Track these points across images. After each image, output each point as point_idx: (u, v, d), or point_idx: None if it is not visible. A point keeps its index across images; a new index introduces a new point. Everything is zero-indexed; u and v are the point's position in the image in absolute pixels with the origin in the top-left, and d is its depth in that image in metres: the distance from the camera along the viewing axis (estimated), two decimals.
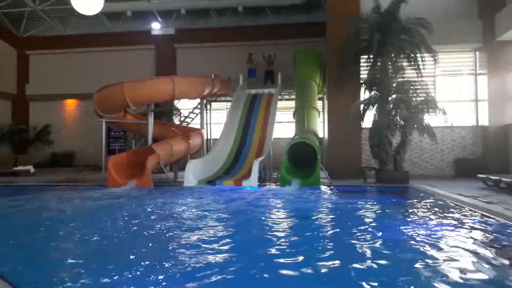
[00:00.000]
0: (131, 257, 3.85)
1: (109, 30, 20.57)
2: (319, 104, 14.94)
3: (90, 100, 13.77)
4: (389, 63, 10.96)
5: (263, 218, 6.01)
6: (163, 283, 3.12)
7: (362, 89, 11.80)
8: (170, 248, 4.16)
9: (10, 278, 3.00)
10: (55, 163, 19.19)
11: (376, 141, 10.59)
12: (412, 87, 10.73)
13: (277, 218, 6.05)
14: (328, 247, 4.23)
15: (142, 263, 3.62)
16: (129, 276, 3.24)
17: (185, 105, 18.11)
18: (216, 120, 18.64)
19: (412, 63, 10.99)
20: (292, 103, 14.88)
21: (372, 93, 11.19)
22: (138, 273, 3.35)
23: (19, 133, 19.61)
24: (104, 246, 4.37)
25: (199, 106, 16.41)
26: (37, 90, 20.53)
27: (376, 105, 10.84)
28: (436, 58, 10.95)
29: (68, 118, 20.82)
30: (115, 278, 3.20)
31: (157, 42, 19.67)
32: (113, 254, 4.06)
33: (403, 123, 10.58)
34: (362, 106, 11.09)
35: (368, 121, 11.23)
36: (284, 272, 3.37)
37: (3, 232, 5.23)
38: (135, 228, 5.35)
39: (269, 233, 4.91)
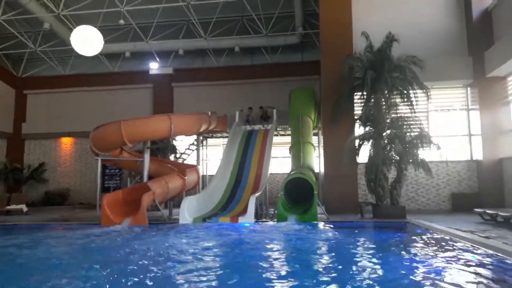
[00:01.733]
0: None
1: (108, 70, 20.96)
2: (314, 139, 15.05)
3: (86, 138, 13.85)
4: (383, 99, 11.16)
5: (260, 255, 5.89)
6: None
7: (357, 125, 11.92)
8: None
9: None
10: (49, 202, 18.92)
11: (372, 176, 10.58)
12: (406, 123, 10.86)
13: (274, 256, 5.93)
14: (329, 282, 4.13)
15: None
16: None
17: (181, 142, 18.18)
18: (212, 156, 18.66)
19: (405, 99, 11.16)
20: (288, 139, 14.99)
21: (367, 128, 11.30)
22: None
23: (14, 171, 19.48)
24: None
25: (195, 142, 16.48)
26: (34, 129, 20.63)
27: (371, 140, 10.92)
28: (428, 94, 11.16)
29: (63, 156, 20.77)
30: None
31: (155, 81, 20.01)
32: None
33: (398, 158, 10.62)
34: (357, 141, 11.18)
35: (363, 156, 11.28)
36: None
37: None
38: (128, 267, 5.22)
39: (267, 270, 4.81)
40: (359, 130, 11.93)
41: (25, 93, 21.14)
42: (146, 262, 5.34)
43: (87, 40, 13.88)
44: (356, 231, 8.55)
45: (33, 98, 21.19)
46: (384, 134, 10.87)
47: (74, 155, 20.63)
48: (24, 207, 14.84)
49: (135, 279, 4.45)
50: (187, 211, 10.47)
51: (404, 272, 4.55)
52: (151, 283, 4.29)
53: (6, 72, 20.65)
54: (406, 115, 11.18)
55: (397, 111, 11.36)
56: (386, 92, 11.01)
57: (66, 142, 20.88)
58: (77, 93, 20.72)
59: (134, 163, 14.24)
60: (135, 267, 5.07)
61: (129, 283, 4.25)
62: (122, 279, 4.50)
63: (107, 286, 4.34)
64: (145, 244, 6.84)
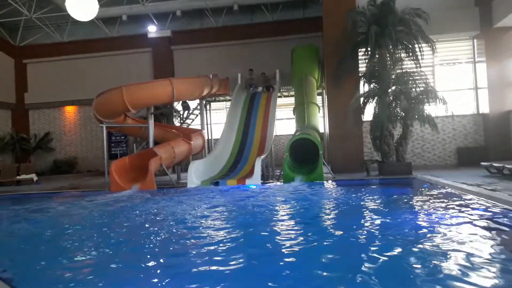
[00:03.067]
0: (142, 262, 3.85)
1: (105, 35, 20.56)
2: (318, 99, 14.92)
3: (89, 106, 13.80)
4: (387, 55, 10.95)
5: (270, 215, 6.00)
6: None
7: (361, 82, 11.76)
8: (177, 249, 4.16)
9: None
10: (57, 170, 19.20)
11: (378, 133, 10.58)
12: (411, 78, 10.69)
13: (284, 215, 6.05)
14: (336, 240, 4.22)
15: (151, 267, 3.62)
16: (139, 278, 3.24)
17: (185, 105, 18.10)
18: (216, 120, 18.64)
19: (410, 54, 10.96)
20: (292, 100, 14.85)
21: (372, 85, 11.17)
22: (146, 275, 3.35)
23: (21, 142, 19.63)
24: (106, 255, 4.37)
25: (198, 107, 16.39)
26: (36, 99, 20.57)
27: (376, 98, 10.81)
28: (434, 47, 10.93)
29: (68, 125, 20.83)
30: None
31: (154, 45, 19.65)
32: (125, 257, 4.06)
33: (403, 114, 10.55)
34: (362, 99, 11.07)
35: (368, 114, 11.22)
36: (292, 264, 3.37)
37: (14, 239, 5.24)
38: (140, 232, 5.34)
39: (277, 229, 4.91)
40: (363, 87, 11.79)
41: (25, 62, 20.90)
42: (162, 222, 5.48)
43: (82, 5, 13.54)
44: (363, 189, 8.64)
45: (33, 67, 20.96)
46: (389, 90, 10.74)
47: (78, 123, 20.67)
48: (34, 177, 15.08)
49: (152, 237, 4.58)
50: (195, 174, 10.61)
51: (411, 226, 4.63)
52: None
53: (3, 41, 20.31)
54: (411, 70, 10.99)
55: (402, 67, 11.18)
56: (390, 47, 10.79)
57: (70, 110, 20.85)
58: (77, 60, 20.45)
59: (139, 129, 14.27)
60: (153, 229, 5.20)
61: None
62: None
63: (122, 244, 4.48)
64: (156, 208, 6.99)
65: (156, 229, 5.27)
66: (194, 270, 3.38)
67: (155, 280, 3.24)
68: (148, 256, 3.98)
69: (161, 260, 3.86)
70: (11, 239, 5.36)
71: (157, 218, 6.12)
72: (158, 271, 3.52)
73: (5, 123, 20.22)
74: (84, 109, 20.10)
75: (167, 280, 3.22)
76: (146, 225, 5.65)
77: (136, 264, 3.67)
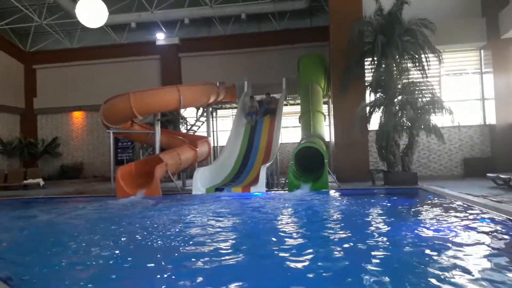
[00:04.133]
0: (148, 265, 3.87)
1: (114, 41, 20.81)
2: (324, 108, 14.93)
3: (97, 111, 13.92)
4: (394, 64, 10.96)
5: (273, 223, 6.01)
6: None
7: (368, 92, 11.78)
8: (181, 253, 4.18)
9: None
10: (64, 175, 19.33)
11: (383, 143, 10.55)
12: (417, 88, 10.70)
13: (288, 223, 6.05)
14: (339, 250, 4.22)
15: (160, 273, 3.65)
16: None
17: (191, 113, 18.21)
18: (222, 128, 18.71)
19: (417, 64, 10.97)
20: (298, 108, 14.88)
21: (378, 95, 11.18)
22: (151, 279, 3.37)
23: (28, 146, 19.81)
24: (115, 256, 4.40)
25: (205, 114, 16.48)
26: (45, 104, 20.82)
27: (382, 107, 10.82)
28: (440, 58, 10.94)
29: (75, 130, 21.02)
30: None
31: (162, 52, 19.86)
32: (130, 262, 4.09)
33: (409, 124, 10.52)
34: (368, 108, 11.08)
35: (374, 123, 11.22)
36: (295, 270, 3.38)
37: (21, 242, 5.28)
38: (147, 238, 5.37)
39: (281, 236, 4.92)
40: (369, 97, 11.80)
41: (34, 68, 21.20)
42: (166, 228, 5.50)
43: (92, 12, 13.75)
44: (367, 198, 8.62)
45: (42, 72, 21.25)
46: (396, 100, 10.74)
47: (86, 128, 20.86)
48: (41, 181, 15.20)
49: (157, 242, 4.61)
50: (200, 181, 10.64)
51: (415, 237, 4.62)
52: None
53: (13, 47, 20.62)
54: (417, 80, 11.00)
55: (409, 76, 11.19)
56: (397, 57, 10.82)
57: (77, 116, 21.06)
58: (86, 66, 20.71)
59: (145, 136, 14.36)
60: (158, 234, 5.22)
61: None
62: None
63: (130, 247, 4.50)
64: (162, 214, 7.01)
65: (159, 235, 5.30)
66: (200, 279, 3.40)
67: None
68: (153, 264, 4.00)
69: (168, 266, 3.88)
70: (16, 242, 5.40)
71: (164, 224, 6.14)
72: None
73: (14, 128, 20.45)
74: (92, 115, 20.28)
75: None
76: (156, 230, 5.68)
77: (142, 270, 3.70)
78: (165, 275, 3.54)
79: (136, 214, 7.42)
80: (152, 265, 3.91)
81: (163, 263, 3.99)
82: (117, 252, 4.55)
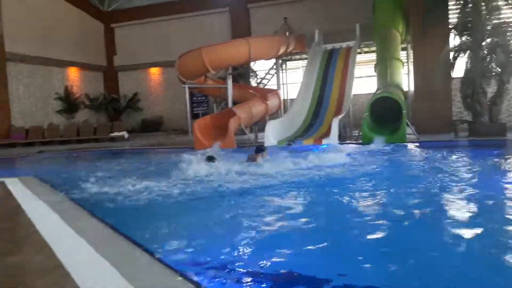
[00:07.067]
0: None
1: None
2: (402, 54, 13.97)
3: (172, 67, 14.42)
4: (482, 3, 9.87)
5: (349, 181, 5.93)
6: None
7: (452, 35, 10.79)
8: None
9: None
10: (146, 129, 20.70)
11: (469, 91, 9.86)
12: (509, 29, 9.59)
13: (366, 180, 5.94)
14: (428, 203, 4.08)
15: None
16: None
17: (261, 67, 18.14)
18: (293, 80, 18.45)
19: (509, 1, 9.75)
20: (373, 56, 14.11)
21: (463, 38, 10.27)
22: None
23: (112, 102, 21.36)
24: None
25: (274, 66, 16.31)
26: (124, 61, 22.06)
27: (468, 52, 10.01)
28: None
29: (153, 86, 22.12)
30: None
31: (230, 4, 19.69)
32: None
33: (499, 70, 9.71)
34: (452, 53, 10.31)
35: (459, 70, 10.42)
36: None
37: None
38: None
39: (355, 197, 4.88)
40: (454, 40, 10.82)
41: (112, 27, 22.32)
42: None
43: None
44: (450, 151, 8.09)
45: (120, 31, 22.37)
46: (484, 43, 9.84)
47: (163, 84, 21.85)
48: (125, 134, 16.46)
49: None
50: (272, 134, 10.78)
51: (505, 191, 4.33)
52: None
53: (92, 7, 21.79)
54: (510, 20, 9.82)
55: (500, 16, 10.04)
56: None
57: (154, 72, 22.05)
58: (159, 23, 21.34)
59: (218, 90, 14.69)
60: None
61: None
62: None
63: None
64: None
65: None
66: None
67: None
68: None
69: None
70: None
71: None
72: None
73: (98, 85, 22.07)
74: (168, 71, 21.06)
75: None
76: None
77: None
78: None
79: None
80: None
81: None
82: None
